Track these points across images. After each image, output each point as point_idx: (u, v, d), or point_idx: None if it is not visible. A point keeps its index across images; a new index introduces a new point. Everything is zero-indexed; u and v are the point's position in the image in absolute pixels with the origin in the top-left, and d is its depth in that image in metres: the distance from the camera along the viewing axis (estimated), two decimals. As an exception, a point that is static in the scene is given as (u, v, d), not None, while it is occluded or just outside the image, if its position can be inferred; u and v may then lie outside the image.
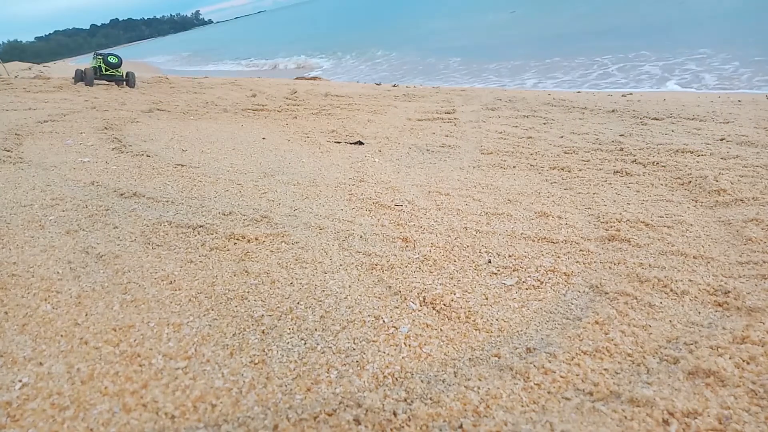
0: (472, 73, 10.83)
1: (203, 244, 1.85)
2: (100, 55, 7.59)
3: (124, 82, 7.47)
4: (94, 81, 7.43)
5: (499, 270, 1.67)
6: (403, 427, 0.98)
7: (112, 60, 7.48)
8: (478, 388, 1.09)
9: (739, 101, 4.85)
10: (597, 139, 3.48)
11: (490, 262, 1.72)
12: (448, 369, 1.17)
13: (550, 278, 1.60)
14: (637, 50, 9.84)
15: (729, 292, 1.44)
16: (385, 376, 1.14)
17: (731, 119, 3.81)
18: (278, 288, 1.55)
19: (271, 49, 26.80)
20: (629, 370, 1.13)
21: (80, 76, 7.58)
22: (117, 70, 7.49)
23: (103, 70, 7.41)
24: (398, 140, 3.78)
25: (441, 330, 1.33)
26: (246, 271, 1.64)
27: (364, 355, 1.22)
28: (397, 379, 1.14)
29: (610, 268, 1.65)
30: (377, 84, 9.81)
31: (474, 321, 1.37)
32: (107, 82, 7.53)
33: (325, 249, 1.83)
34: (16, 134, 3.62)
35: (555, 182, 2.65)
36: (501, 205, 2.30)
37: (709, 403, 1.01)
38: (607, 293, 1.48)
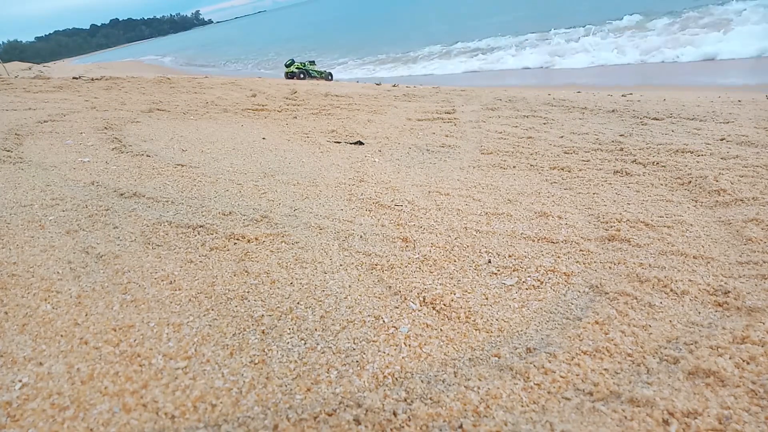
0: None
1: (203, 244, 1.85)
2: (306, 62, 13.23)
3: (322, 78, 12.54)
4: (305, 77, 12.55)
5: (499, 270, 1.67)
6: (403, 427, 0.98)
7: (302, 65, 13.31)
8: (478, 388, 1.09)
9: (739, 101, 4.85)
10: (597, 139, 3.48)
11: (490, 262, 1.72)
12: (448, 369, 1.17)
13: (550, 278, 1.60)
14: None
15: (729, 292, 1.44)
16: (385, 376, 1.14)
17: (731, 119, 3.81)
18: (278, 288, 1.55)
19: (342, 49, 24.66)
20: (629, 370, 1.13)
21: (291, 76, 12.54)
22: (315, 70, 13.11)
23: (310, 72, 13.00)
24: (398, 140, 3.78)
25: (441, 330, 1.33)
26: (246, 271, 1.64)
27: (364, 355, 1.22)
28: (397, 379, 1.14)
29: (610, 268, 1.65)
30: (377, 84, 9.82)
31: (474, 321, 1.37)
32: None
33: (325, 249, 1.83)
34: (16, 134, 3.61)
35: (555, 182, 2.65)
36: (501, 205, 2.30)
37: (709, 403, 1.01)
38: (607, 293, 1.48)
